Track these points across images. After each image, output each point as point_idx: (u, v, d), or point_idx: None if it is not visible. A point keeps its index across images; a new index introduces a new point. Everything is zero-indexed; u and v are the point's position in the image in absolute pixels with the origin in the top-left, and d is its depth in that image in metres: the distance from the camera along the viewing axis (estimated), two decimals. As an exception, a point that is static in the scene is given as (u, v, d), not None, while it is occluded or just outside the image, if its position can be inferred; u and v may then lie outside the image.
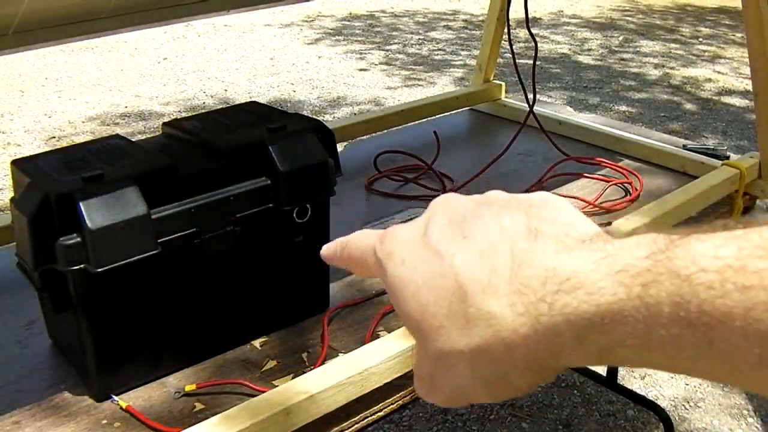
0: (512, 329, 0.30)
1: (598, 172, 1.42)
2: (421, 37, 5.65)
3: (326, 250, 0.43)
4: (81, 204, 0.74)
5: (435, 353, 0.33)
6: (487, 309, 0.31)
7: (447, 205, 0.36)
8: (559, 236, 0.32)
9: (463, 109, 1.76)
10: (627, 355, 0.29)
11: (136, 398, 0.83)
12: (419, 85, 4.50)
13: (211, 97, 4.26)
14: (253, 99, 2.20)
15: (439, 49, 5.30)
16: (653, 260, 0.28)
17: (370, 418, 0.85)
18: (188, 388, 0.84)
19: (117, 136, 0.92)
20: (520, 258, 0.31)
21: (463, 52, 5.22)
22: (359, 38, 5.58)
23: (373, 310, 0.99)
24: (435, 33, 5.77)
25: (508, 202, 0.35)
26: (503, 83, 1.77)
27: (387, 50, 5.26)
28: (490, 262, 0.31)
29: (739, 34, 5.71)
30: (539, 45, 1.67)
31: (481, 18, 5.90)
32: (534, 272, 0.31)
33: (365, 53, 5.18)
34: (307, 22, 6.01)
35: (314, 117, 1.04)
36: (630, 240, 0.30)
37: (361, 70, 4.78)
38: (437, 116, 1.70)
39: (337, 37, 5.59)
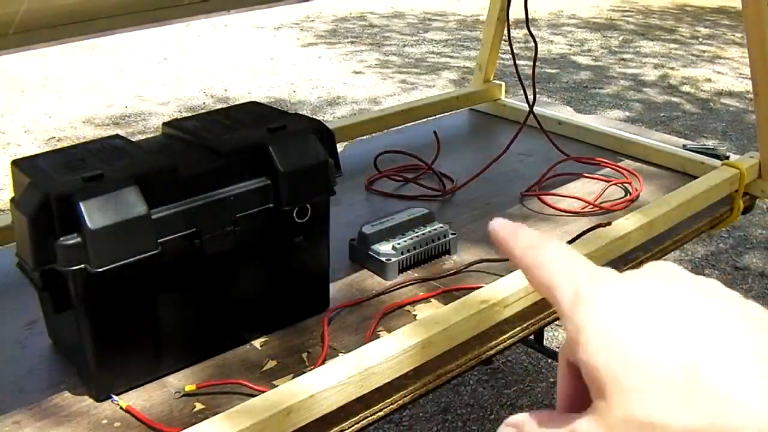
0: (749, 419, 0.25)
1: (598, 172, 1.42)
2: (417, 37, 5.65)
3: (505, 229, 0.36)
4: (81, 204, 0.74)
5: (625, 417, 0.28)
6: (726, 391, 0.26)
7: (676, 272, 0.31)
8: None
9: (463, 109, 1.76)
10: None
11: (136, 398, 0.83)
12: (419, 86, 4.50)
13: (211, 97, 4.26)
14: (253, 99, 2.20)
15: (437, 52, 5.30)
16: None
17: (370, 418, 0.85)
18: (188, 388, 0.84)
19: (117, 136, 0.92)
20: None
21: (462, 53, 5.22)
22: (358, 38, 5.58)
23: (373, 310, 0.99)
24: (433, 33, 5.77)
25: (739, 297, 0.30)
26: (503, 83, 1.77)
27: (386, 50, 5.26)
28: (735, 343, 0.27)
29: (739, 34, 5.71)
30: (539, 45, 1.67)
31: (475, 18, 5.90)
32: None
33: (365, 53, 5.18)
34: (307, 22, 6.01)
35: (314, 117, 1.04)
36: None
37: (360, 70, 4.78)
38: (437, 116, 1.71)
39: (337, 37, 5.59)
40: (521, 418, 0.33)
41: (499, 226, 0.36)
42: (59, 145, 3.36)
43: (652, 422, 0.27)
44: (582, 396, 0.31)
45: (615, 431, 0.28)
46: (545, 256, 0.33)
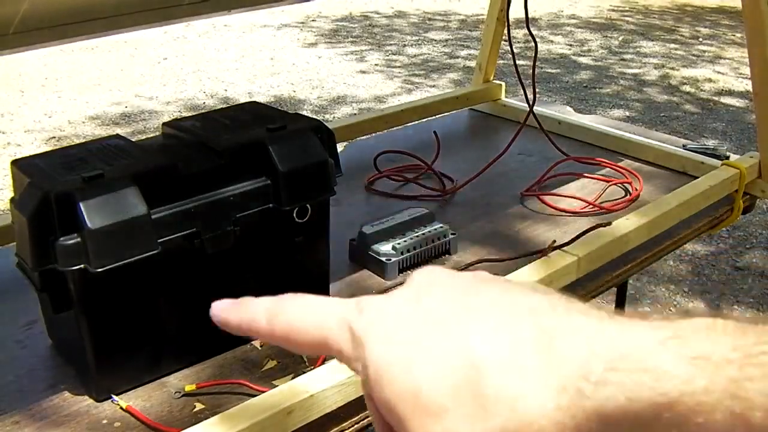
0: (544, 415, 0.25)
1: (598, 172, 1.42)
2: (419, 37, 5.65)
3: (232, 312, 0.33)
4: (81, 204, 0.74)
5: None
6: (510, 390, 0.25)
7: (436, 277, 0.31)
8: (593, 313, 0.27)
9: (463, 109, 1.76)
10: None
11: (136, 398, 0.83)
12: (419, 86, 4.50)
13: (211, 97, 4.26)
14: (253, 99, 2.20)
15: (437, 51, 5.30)
16: (743, 353, 0.23)
17: (370, 418, 0.84)
18: (188, 388, 0.84)
19: (117, 136, 0.92)
20: (551, 331, 0.26)
21: (461, 53, 5.22)
22: (359, 38, 5.58)
23: (373, 310, 0.99)
24: (432, 33, 5.77)
25: (508, 283, 0.30)
26: (503, 83, 1.77)
27: (386, 50, 5.26)
28: (509, 337, 0.26)
29: (739, 34, 5.71)
30: (539, 45, 1.67)
31: (476, 18, 5.90)
32: (572, 345, 0.25)
33: (365, 53, 5.18)
34: (306, 22, 6.01)
35: (314, 117, 1.04)
36: (696, 322, 0.25)
37: (360, 70, 4.78)
38: (437, 116, 1.70)
39: (336, 37, 5.59)
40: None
41: (220, 311, 0.34)
42: (59, 145, 3.36)
43: None
44: None
45: None
46: (295, 315, 0.31)
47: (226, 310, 0.34)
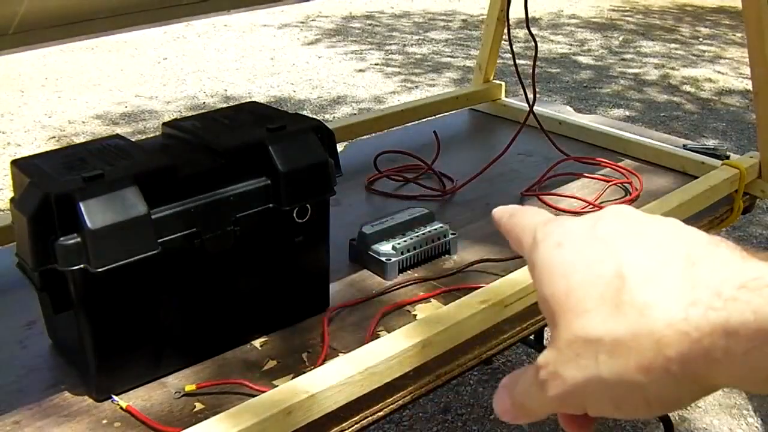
0: (668, 323, 0.27)
1: (598, 172, 1.42)
2: (420, 37, 5.65)
3: (498, 212, 0.40)
4: (81, 204, 0.74)
5: (569, 338, 0.30)
6: (643, 297, 0.28)
7: (620, 211, 0.34)
8: (738, 250, 0.29)
9: (463, 109, 1.76)
10: None
11: (136, 398, 0.83)
12: (419, 86, 4.50)
13: (211, 97, 4.26)
14: (253, 99, 2.20)
15: (438, 51, 5.30)
16: None
17: (370, 418, 0.85)
18: (188, 388, 0.84)
19: (117, 136, 0.92)
20: (697, 258, 0.28)
21: (461, 53, 5.22)
22: (359, 38, 5.58)
23: (373, 310, 0.99)
24: (433, 33, 5.77)
25: (679, 224, 0.32)
26: (503, 83, 1.77)
27: (387, 50, 5.26)
28: (661, 257, 0.29)
29: (739, 34, 5.71)
30: (539, 45, 1.67)
31: (478, 18, 5.90)
32: (712, 269, 0.27)
33: (365, 53, 5.18)
34: (306, 22, 6.01)
35: (314, 117, 1.04)
36: None
37: (360, 70, 4.78)
38: (437, 116, 1.70)
39: (336, 37, 5.59)
40: (508, 377, 0.35)
41: (495, 212, 0.40)
42: (59, 145, 3.36)
43: (588, 337, 0.29)
44: None
45: (564, 353, 0.30)
46: (517, 218, 0.37)
47: (500, 211, 0.40)
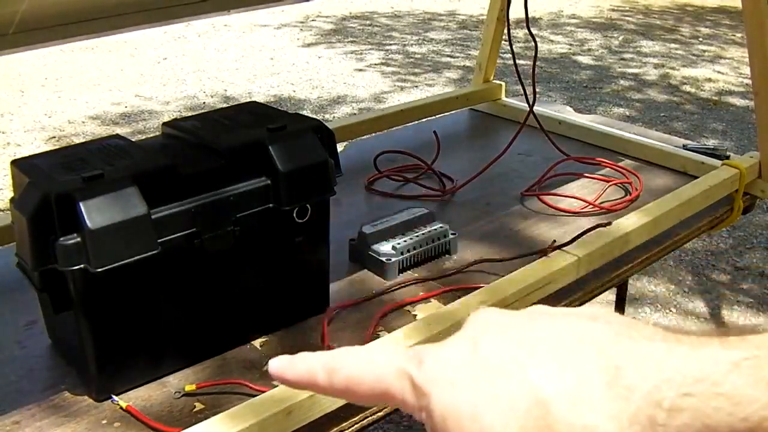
0: None
1: (598, 172, 1.42)
2: (420, 37, 5.65)
3: (289, 370, 0.34)
4: (81, 204, 0.74)
5: None
6: (582, 423, 0.25)
7: (491, 318, 0.31)
8: (658, 336, 0.26)
9: (463, 109, 1.76)
10: None
11: (136, 398, 0.83)
12: (419, 86, 4.50)
13: (211, 97, 4.26)
14: (253, 99, 2.20)
15: (437, 51, 5.30)
16: None
17: (370, 418, 0.85)
18: (188, 388, 0.84)
19: (117, 136, 0.92)
20: (616, 360, 0.25)
21: (461, 53, 5.22)
22: (358, 38, 5.58)
23: (373, 310, 0.99)
24: (433, 33, 5.77)
25: (568, 314, 0.30)
26: (503, 83, 1.77)
27: (386, 50, 5.26)
28: (573, 371, 0.26)
29: (739, 34, 5.71)
30: (539, 45, 1.67)
31: (477, 18, 5.91)
32: (641, 373, 0.25)
33: (365, 53, 5.18)
34: (306, 22, 6.01)
35: (314, 117, 1.04)
36: (762, 342, 0.24)
37: (360, 70, 4.78)
38: (437, 116, 1.70)
39: (336, 37, 5.59)
40: None
41: (278, 369, 0.34)
42: (59, 145, 3.36)
43: None
44: None
45: None
46: (353, 369, 0.31)
47: (282, 368, 0.34)
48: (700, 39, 5.72)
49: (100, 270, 0.75)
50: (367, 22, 6.11)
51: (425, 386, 0.29)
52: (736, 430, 0.23)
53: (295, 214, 0.91)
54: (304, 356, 0.33)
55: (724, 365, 0.24)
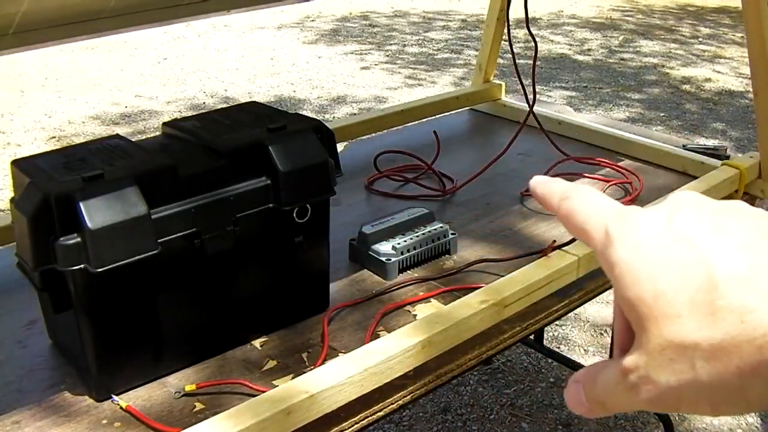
0: None
1: (598, 172, 1.42)
2: (420, 37, 5.65)
3: (540, 186, 0.38)
4: (81, 204, 0.74)
5: (661, 343, 0.29)
6: (742, 302, 0.27)
7: (693, 201, 0.33)
8: None
9: (463, 109, 1.76)
10: None
11: (136, 398, 0.83)
12: (419, 85, 4.50)
13: (211, 97, 4.26)
14: (253, 99, 2.20)
15: (438, 50, 5.30)
16: None
17: (370, 418, 0.85)
18: (188, 388, 0.84)
19: (117, 136, 0.92)
20: None
21: (461, 53, 5.22)
22: (359, 38, 5.58)
23: (373, 310, 0.99)
24: (433, 33, 5.77)
25: (762, 214, 0.32)
26: (503, 83, 1.77)
27: (386, 50, 5.26)
28: (749, 258, 0.28)
29: (739, 34, 5.71)
30: (539, 45, 1.67)
31: (477, 18, 5.90)
32: None
33: (365, 53, 5.18)
34: (306, 22, 6.01)
35: (314, 117, 1.04)
36: None
37: (360, 70, 4.78)
38: (437, 116, 1.71)
39: (336, 37, 5.59)
40: (582, 372, 0.35)
41: (536, 183, 0.38)
42: (59, 145, 3.36)
43: (684, 343, 0.29)
44: (632, 333, 0.33)
45: (656, 358, 0.30)
46: (576, 203, 0.36)
47: (541, 183, 0.38)
48: (700, 39, 5.72)
49: (100, 270, 0.75)
50: (367, 22, 6.11)
51: (614, 237, 0.32)
52: None
53: (295, 214, 0.91)
54: (554, 181, 0.38)
55: None
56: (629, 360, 0.31)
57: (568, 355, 2.03)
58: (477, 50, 1.89)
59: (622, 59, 5.11)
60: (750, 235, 0.30)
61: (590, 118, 1.70)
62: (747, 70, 1.93)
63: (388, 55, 5.13)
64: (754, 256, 0.28)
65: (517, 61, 1.50)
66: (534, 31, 1.42)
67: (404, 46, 5.39)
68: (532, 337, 1.88)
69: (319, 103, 4.16)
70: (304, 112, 2.36)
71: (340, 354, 0.90)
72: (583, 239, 0.35)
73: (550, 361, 2.06)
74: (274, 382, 0.86)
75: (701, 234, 0.30)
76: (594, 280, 1.10)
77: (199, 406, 0.82)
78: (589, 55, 5.23)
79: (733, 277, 0.28)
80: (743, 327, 0.27)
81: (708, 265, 0.29)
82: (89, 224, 0.74)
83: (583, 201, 0.36)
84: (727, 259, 0.29)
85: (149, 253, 0.78)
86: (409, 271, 1.09)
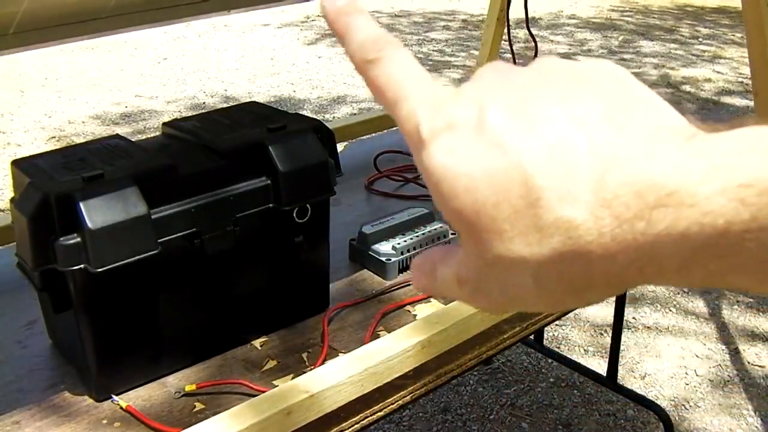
0: (598, 244, 0.26)
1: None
2: (420, 37, 5.65)
3: (337, 18, 0.33)
4: (81, 204, 0.74)
5: (491, 258, 0.28)
6: (566, 218, 0.26)
7: (502, 81, 0.30)
8: (648, 129, 0.27)
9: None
10: (742, 281, 0.25)
11: (136, 398, 0.83)
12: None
13: (211, 97, 4.26)
14: (253, 99, 2.20)
15: (438, 51, 5.31)
16: None
17: (370, 418, 0.85)
18: (188, 388, 0.84)
19: (117, 136, 0.92)
20: (604, 159, 0.26)
21: (462, 53, 5.22)
22: (359, 38, 5.58)
23: (373, 310, 0.99)
24: (433, 33, 5.77)
25: (571, 78, 0.29)
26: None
27: (387, 50, 5.26)
28: (564, 160, 0.26)
29: (739, 34, 5.71)
30: (539, 45, 1.67)
31: (478, 18, 5.90)
32: (624, 179, 0.25)
33: (365, 53, 5.18)
34: (306, 22, 6.02)
35: (314, 117, 1.04)
36: (740, 140, 0.25)
37: (360, 70, 4.78)
38: (437, 116, 1.70)
39: (336, 37, 5.59)
40: (420, 261, 0.35)
41: (332, 7, 0.33)
42: (59, 145, 3.36)
43: (513, 259, 0.28)
44: None
45: (487, 273, 0.29)
46: (383, 76, 0.32)
47: (336, 11, 0.33)
48: (700, 39, 5.72)
49: (100, 270, 0.75)
50: (367, 22, 6.10)
51: (426, 141, 0.29)
52: (706, 237, 0.24)
53: (295, 214, 0.91)
54: (360, 15, 0.33)
55: (695, 173, 0.24)
56: (462, 272, 0.31)
57: (568, 355, 2.03)
58: (478, 50, 1.89)
59: (623, 59, 5.11)
60: (565, 123, 0.27)
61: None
62: (747, 70, 1.93)
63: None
64: (568, 158, 0.26)
65: (517, 61, 1.50)
66: (534, 32, 1.42)
67: (406, 46, 5.39)
68: (532, 337, 1.88)
69: (319, 103, 4.16)
70: (304, 112, 2.36)
71: (340, 354, 0.90)
72: (389, 110, 0.32)
73: (550, 361, 2.06)
74: (274, 382, 0.86)
75: (513, 134, 0.27)
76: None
77: (199, 406, 0.82)
78: (589, 56, 5.23)
79: (552, 187, 0.26)
80: (571, 243, 0.26)
81: (524, 173, 0.27)
82: (89, 224, 0.74)
83: (390, 73, 0.32)
84: (543, 164, 0.27)
85: (149, 253, 0.78)
86: (409, 271, 1.09)
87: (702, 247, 0.24)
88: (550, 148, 0.27)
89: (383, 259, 1.07)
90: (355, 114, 3.92)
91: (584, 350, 2.15)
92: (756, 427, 1.85)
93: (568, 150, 0.27)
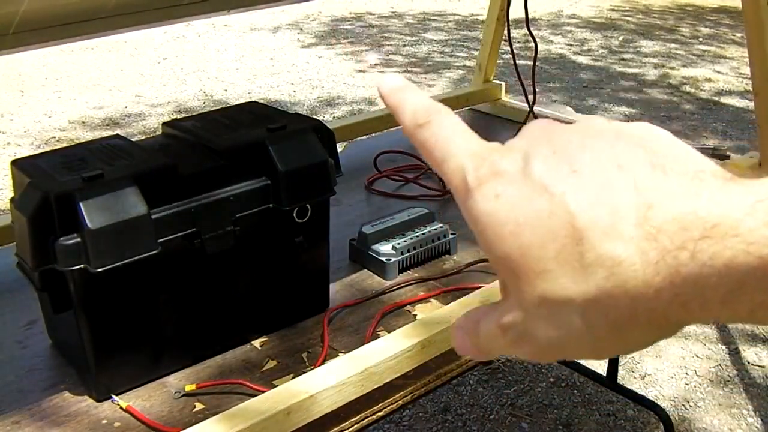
0: (642, 280, 0.26)
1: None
2: (419, 37, 5.65)
3: (392, 93, 0.35)
4: (81, 204, 0.74)
5: (535, 300, 0.29)
6: (610, 254, 0.27)
7: (546, 134, 0.31)
8: (689, 173, 0.27)
9: (463, 109, 1.76)
10: None
11: (136, 398, 0.83)
12: (419, 85, 4.50)
13: (211, 97, 4.26)
14: (253, 99, 2.20)
15: (437, 51, 5.30)
16: None
17: (370, 418, 0.85)
18: (188, 388, 0.84)
19: (117, 136, 0.92)
20: (648, 197, 0.27)
21: (461, 53, 5.22)
22: (358, 38, 5.58)
23: (373, 310, 0.99)
24: (432, 33, 5.78)
25: (618, 134, 0.30)
26: (503, 83, 1.77)
27: (386, 50, 5.26)
28: (610, 201, 0.27)
29: (739, 34, 5.71)
30: (539, 45, 1.68)
31: (474, 18, 5.90)
32: (668, 215, 0.26)
33: (365, 53, 5.18)
34: (306, 22, 6.02)
35: (314, 117, 1.04)
36: None
37: (360, 70, 4.78)
38: (437, 116, 1.70)
39: (336, 37, 5.60)
40: (463, 319, 0.34)
41: (385, 87, 0.35)
42: (59, 145, 3.36)
43: (558, 299, 0.28)
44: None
45: (533, 314, 0.29)
46: (432, 137, 0.33)
47: (391, 89, 0.35)
48: (700, 39, 5.72)
49: (100, 270, 0.75)
50: (366, 22, 6.11)
51: (473, 189, 0.31)
52: (753, 268, 0.25)
53: (295, 214, 0.91)
54: (411, 90, 0.35)
55: (739, 208, 0.25)
56: (506, 318, 0.31)
57: (568, 355, 2.03)
58: (476, 50, 1.89)
59: (623, 59, 5.11)
60: (608, 168, 0.28)
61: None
62: (747, 70, 1.93)
63: (388, 56, 5.14)
64: (614, 199, 0.27)
65: (517, 61, 1.50)
66: (534, 32, 1.42)
67: (404, 46, 5.39)
68: (532, 337, 1.88)
69: (319, 103, 4.16)
70: (304, 112, 2.36)
71: (340, 354, 0.90)
72: (444, 180, 0.33)
73: (550, 361, 2.06)
74: (274, 382, 0.86)
75: (558, 179, 0.29)
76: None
77: (199, 406, 0.82)
78: (589, 55, 5.23)
79: (596, 225, 0.27)
80: (615, 279, 0.27)
81: (569, 214, 0.28)
82: (89, 224, 0.74)
83: (439, 134, 0.33)
84: (587, 205, 0.28)
85: (149, 253, 0.78)
86: (409, 272, 1.09)
87: (747, 278, 0.25)
88: (594, 189, 0.28)
89: (383, 259, 1.07)
90: (354, 114, 3.92)
91: (584, 350, 2.15)
92: (756, 427, 1.85)
93: (611, 190, 0.28)
